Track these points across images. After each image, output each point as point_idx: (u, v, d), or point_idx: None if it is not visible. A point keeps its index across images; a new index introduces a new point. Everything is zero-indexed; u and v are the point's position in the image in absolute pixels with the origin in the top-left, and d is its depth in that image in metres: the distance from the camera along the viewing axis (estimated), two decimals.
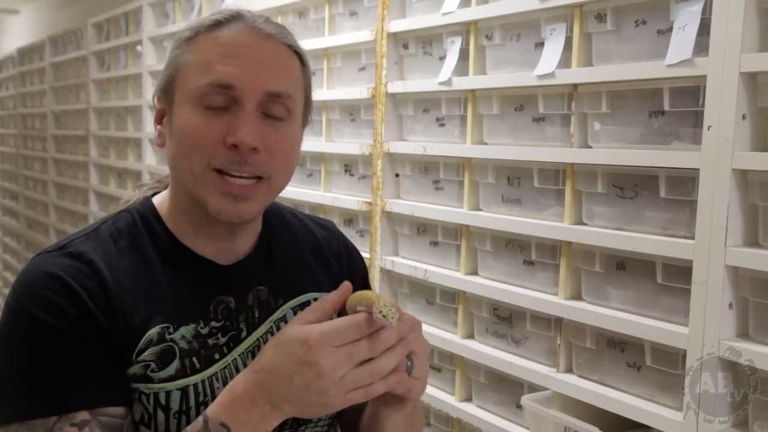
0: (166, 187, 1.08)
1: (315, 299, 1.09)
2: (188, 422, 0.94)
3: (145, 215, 1.03)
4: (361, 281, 1.21)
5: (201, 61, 0.96)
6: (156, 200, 1.06)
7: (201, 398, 0.96)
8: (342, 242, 1.20)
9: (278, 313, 1.05)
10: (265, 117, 0.96)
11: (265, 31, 0.98)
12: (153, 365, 0.94)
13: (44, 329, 0.90)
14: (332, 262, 1.15)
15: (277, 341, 0.89)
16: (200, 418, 0.90)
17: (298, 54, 1.02)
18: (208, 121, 0.94)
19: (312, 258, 1.14)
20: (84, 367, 0.91)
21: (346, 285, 0.95)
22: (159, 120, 1.02)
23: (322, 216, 2.22)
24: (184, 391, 0.95)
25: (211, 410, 0.90)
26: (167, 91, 1.00)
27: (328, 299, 0.93)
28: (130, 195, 1.10)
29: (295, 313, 1.06)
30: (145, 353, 0.94)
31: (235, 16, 0.98)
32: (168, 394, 0.94)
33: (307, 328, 0.87)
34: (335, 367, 0.84)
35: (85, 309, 0.92)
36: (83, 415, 0.89)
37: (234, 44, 0.96)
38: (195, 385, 0.96)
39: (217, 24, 0.97)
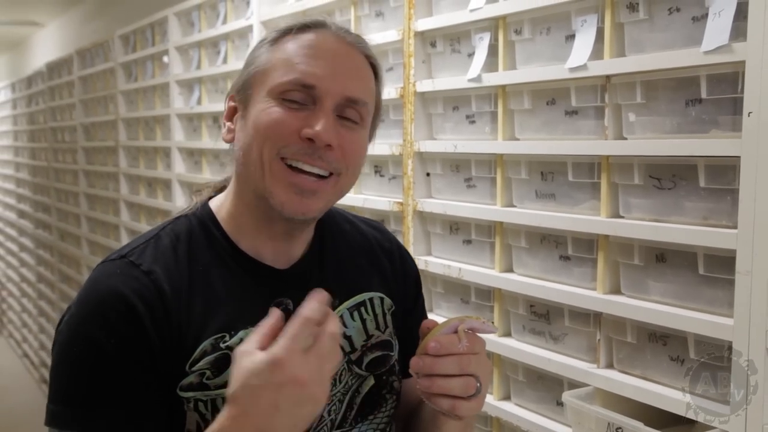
0: (221, 191, 1.09)
1: (370, 299, 1.10)
2: None
3: (203, 220, 1.05)
4: (414, 285, 1.21)
5: (285, 60, 0.99)
6: (213, 204, 1.07)
7: None
8: (394, 243, 1.21)
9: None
10: (339, 119, 0.99)
11: (348, 39, 1.02)
12: (208, 373, 0.96)
13: (92, 344, 0.93)
14: (385, 263, 1.16)
15: (242, 378, 0.83)
16: None
17: (374, 67, 1.05)
18: (286, 113, 0.97)
19: (364, 260, 1.14)
20: (114, 393, 0.93)
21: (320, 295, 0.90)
22: (229, 117, 1.05)
23: None
24: None
25: None
26: (244, 88, 1.03)
27: (264, 323, 0.87)
28: (188, 202, 1.12)
29: (351, 314, 1.07)
30: (200, 363, 0.96)
31: (321, 24, 1.03)
32: (225, 399, 0.95)
33: (266, 351, 0.82)
34: (313, 371, 0.82)
35: (140, 328, 0.93)
36: None
37: (318, 47, 1.00)
38: None
39: (304, 28, 1.02)
